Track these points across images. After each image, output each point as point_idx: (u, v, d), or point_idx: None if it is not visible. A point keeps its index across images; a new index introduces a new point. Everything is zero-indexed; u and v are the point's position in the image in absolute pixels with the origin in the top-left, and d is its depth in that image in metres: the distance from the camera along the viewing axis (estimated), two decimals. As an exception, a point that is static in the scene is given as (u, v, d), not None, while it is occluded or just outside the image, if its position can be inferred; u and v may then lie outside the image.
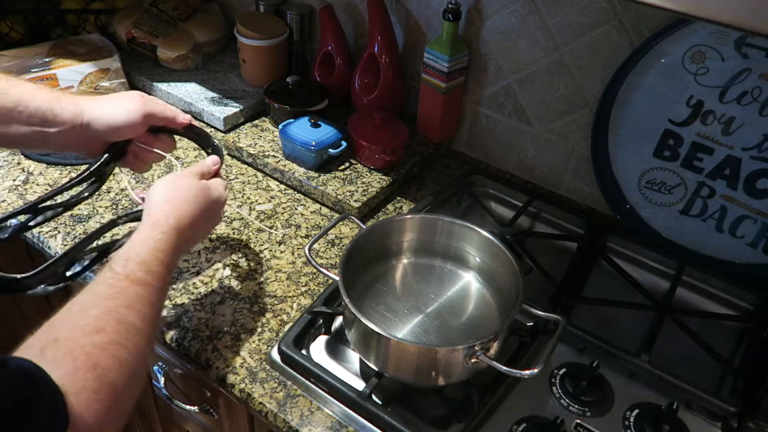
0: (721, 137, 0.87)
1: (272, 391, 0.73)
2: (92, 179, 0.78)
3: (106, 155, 0.77)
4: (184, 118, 0.81)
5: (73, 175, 1.03)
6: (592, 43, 0.93)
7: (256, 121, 1.15)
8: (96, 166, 0.76)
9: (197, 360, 0.77)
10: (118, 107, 0.75)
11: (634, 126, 0.93)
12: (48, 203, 0.75)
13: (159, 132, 0.80)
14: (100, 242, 0.75)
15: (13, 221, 0.74)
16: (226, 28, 1.34)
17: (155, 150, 0.80)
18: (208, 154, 0.81)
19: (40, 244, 0.91)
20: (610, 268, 0.92)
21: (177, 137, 0.84)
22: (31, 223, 0.75)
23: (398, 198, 1.05)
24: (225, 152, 0.84)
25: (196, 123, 0.84)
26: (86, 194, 0.78)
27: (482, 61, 1.05)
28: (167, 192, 0.69)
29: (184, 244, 0.68)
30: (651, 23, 0.86)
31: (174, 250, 0.66)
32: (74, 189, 0.77)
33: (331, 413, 0.72)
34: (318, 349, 0.79)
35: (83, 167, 0.78)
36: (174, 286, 0.85)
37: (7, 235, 0.72)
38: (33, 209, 0.74)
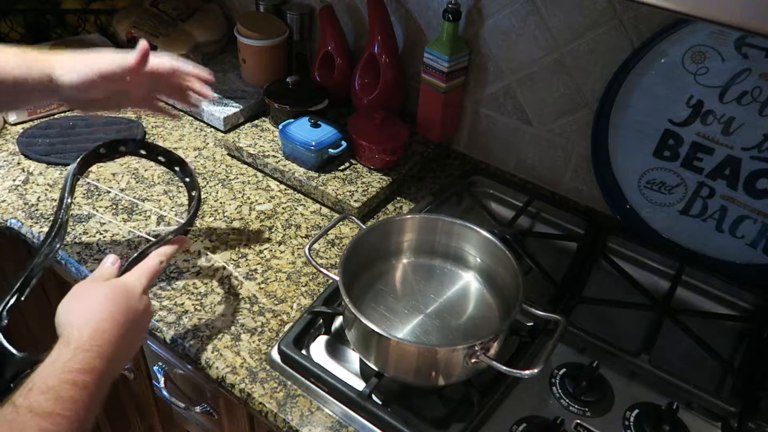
0: (721, 137, 0.87)
1: (272, 391, 0.73)
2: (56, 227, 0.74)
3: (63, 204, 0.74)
4: (135, 59, 0.73)
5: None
6: (592, 43, 0.93)
7: (256, 121, 1.15)
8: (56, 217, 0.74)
9: (197, 360, 0.77)
10: (78, 68, 0.72)
11: (634, 126, 0.93)
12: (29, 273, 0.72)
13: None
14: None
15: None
16: (226, 28, 1.34)
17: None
18: (186, 186, 0.81)
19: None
20: (610, 268, 0.92)
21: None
22: (23, 297, 0.71)
23: (398, 198, 1.05)
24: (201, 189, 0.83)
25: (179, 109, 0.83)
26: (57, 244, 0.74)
27: (482, 61, 1.05)
28: (76, 305, 0.61)
29: (111, 353, 0.58)
30: (651, 23, 0.86)
31: (95, 365, 0.56)
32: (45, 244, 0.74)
33: (331, 413, 0.72)
34: (318, 349, 0.79)
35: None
36: (174, 286, 0.85)
37: (5, 323, 0.68)
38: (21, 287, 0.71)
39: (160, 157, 0.82)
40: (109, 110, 0.81)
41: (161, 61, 0.78)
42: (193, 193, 0.80)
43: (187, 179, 0.82)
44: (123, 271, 0.68)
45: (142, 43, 0.73)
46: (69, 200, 0.74)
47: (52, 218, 0.75)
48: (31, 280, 0.70)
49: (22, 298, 0.70)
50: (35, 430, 0.51)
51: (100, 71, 0.72)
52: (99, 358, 0.57)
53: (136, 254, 0.70)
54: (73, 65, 0.72)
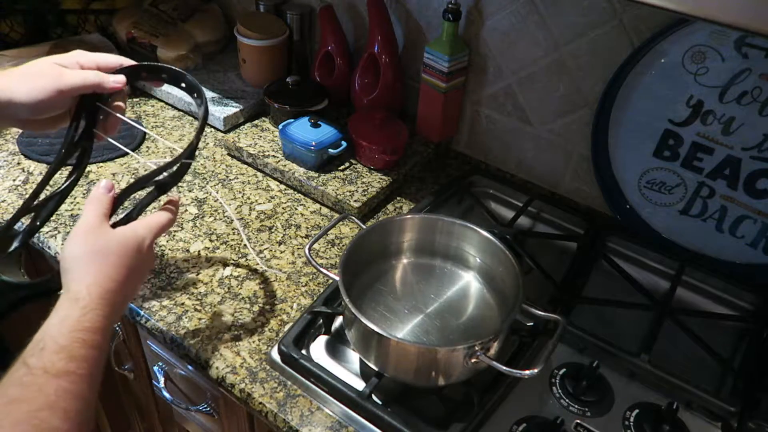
0: (721, 137, 0.87)
1: (272, 391, 0.73)
2: (76, 153, 0.70)
3: (75, 126, 0.69)
4: (116, 81, 0.69)
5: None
6: (592, 43, 0.93)
7: (256, 121, 1.15)
8: (68, 141, 0.69)
9: (197, 360, 0.77)
10: (30, 86, 0.65)
11: (634, 126, 0.93)
12: (42, 197, 0.70)
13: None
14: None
15: (19, 225, 0.70)
16: (226, 28, 1.34)
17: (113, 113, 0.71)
18: (185, 90, 0.74)
19: (40, 244, 0.91)
20: (610, 268, 0.92)
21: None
22: (38, 222, 0.70)
23: (398, 198, 1.05)
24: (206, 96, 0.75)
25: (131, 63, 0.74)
26: (75, 175, 0.71)
27: (482, 61, 1.05)
28: (82, 255, 0.60)
29: (113, 312, 0.59)
30: (651, 23, 0.86)
31: (102, 324, 0.57)
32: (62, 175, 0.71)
33: (331, 413, 0.72)
34: (318, 349, 0.79)
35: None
36: (174, 286, 0.85)
37: (19, 243, 0.68)
38: (31, 208, 0.70)
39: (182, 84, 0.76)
40: (58, 126, 0.72)
41: (105, 59, 0.72)
42: (199, 102, 0.74)
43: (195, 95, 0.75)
44: (119, 197, 0.66)
45: (121, 79, 0.70)
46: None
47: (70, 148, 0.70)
48: (46, 203, 0.70)
49: (37, 223, 0.69)
50: (53, 389, 0.51)
51: (63, 88, 0.66)
52: (105, 316, 0.58)
53: (134, 182, 0.67)
54: (25, 81, 0.66)
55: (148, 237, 0.65)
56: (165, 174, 0.71)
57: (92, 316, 0.56)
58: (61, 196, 0.71)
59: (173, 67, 0.76)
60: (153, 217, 0.67)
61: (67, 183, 0.71)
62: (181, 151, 0.71)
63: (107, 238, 0.61)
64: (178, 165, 0.71)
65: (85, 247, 0.60)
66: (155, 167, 0.71)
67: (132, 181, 0.66)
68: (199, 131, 0.71)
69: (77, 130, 0.70)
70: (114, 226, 0.64)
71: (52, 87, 0.65)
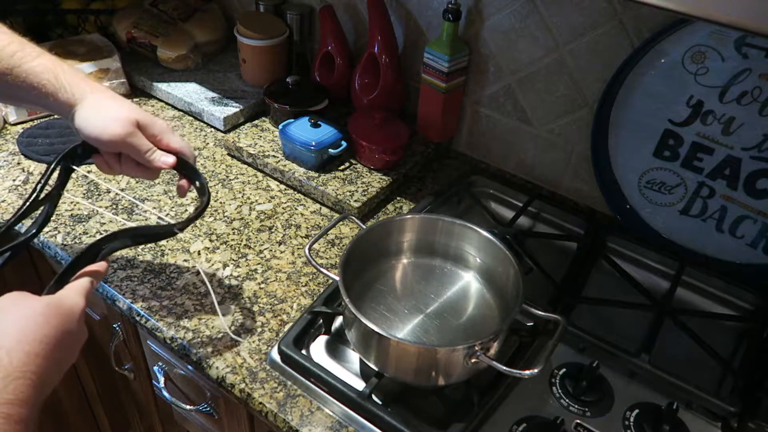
0: (721, 137, 0.87)
1: (272, 391, 0.73)
2: (38, 210, 0.72)
3: (43, 185, 0.71)
4: (164, 162, 0.71)
5: (73, 175, 1.03)
6: (592, 43, 0.93)
7: (256, 121, 1.15)
8: (32, 197, 0.71)
9: (197, 360, 0.77)
10: (105, 122, 0.69)
11: (634, 126, 0.93)
12: (35, 197, 0.70)
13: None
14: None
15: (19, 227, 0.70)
16: (226, 28, 1.34)
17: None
18: (195, 188, 0.76)
19: (40, 245, 0.91)
20: (610, 268, 0.92)
21: None
22: (37, 230, 0.70)
23: (398, 198, 1.05)
24: (210, 191, 0.77)
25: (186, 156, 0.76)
26: (32, 233, 0.72)
27: (482, 61, 1.05)
28: (4, 322, 0.53)
29: (42, 382, 0.52)
30: (651, 23, 0.86)
31: (28, 395, 0.50)
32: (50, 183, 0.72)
33: (331, 413, 0.72)
34: (318, 349, 0.79)
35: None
36: (174, 286, 0.85)
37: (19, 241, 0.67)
38: (29, 208, 0.70)
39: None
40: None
41: (173, 141, 0.73)
42: (197, 183, 0.76)
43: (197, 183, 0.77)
44: (57, 278, 0.62)
45: (174, 159, 0.72)
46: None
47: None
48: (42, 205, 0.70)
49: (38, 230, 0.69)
50: None
51: (128, 141, 0.69)
52: (32, 386, 0.50)
53: (72, 259, 0.64)
54: (98, 111, 0.69)
55: (80, 302, 0.59)
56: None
57: (16, 385, 0.49)
58: (15, 250, 0.70)
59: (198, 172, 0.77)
60: (80, 282, 0.62)
61: (22, 239, 0.70)
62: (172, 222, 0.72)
63: (33, 302, 0.56)
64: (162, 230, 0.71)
65: (7, 311, 0.54)
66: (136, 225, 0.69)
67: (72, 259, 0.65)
68: (199, 213, 0.72)
69: (41, 191, 0.71)
70: None
71: (120, 137, 0.68)
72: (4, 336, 0.52)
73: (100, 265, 0.65)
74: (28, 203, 0.71)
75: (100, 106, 0.70)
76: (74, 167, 0.74)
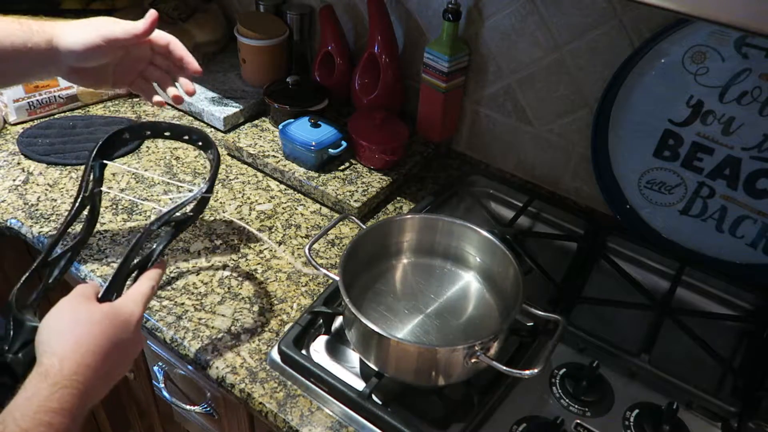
0: (721, 137, 0.87)
1: (272, 391, 0.73)
2: (85, 204, 0.74)
3: (87, 181, 0.74)
4: (144, 26, 0.72)
5: (73, 175, 1.03)
6: (592, 43, 0.93)
7: (256, 121, 1.15)
8: (80, 194, 0.73)
9: (197, 360, 0.77)
10: (78, 33, 0.70)
11: (634, 126, 0.93)
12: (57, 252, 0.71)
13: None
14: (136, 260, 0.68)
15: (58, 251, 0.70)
16: (226, 28, 1.34)
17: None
18: (204, 151, 0.78)
19: (40, 245, 0.91)
20: (610, 268, 0.92)
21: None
22: (50, 281, 0.69)
23: (398, 198, 1.05)
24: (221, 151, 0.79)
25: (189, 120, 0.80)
26: (86, 231, 0.75)
27: (482, 61, 1.05)
28: (61, 327, 0.54)
29: (89, 393, 0.52)
30: (651, 23, 0.86)
31: (73, 404, 0.50)
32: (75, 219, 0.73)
33: (331, 413, 0.72)
34: (318, 349, 0.79)
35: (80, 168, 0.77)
36: (174, 286, 0.85)
37: (35, 296, 0.65)
38: (47, 262, 0.69)
39: (184, 137, 0.79)
40: (103, 86, 0.78)
41: (160, 33, 0.77)
42: (210, 155, 0.77)
43: (210, 157, 0.78)
44: (110, 281, 0.62)
45: (152, 12, 0.72)
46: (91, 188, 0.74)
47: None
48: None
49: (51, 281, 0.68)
50: None
51: (104, 35, 0.70)
52: (79, 396, 0.50)
53: (135, 240, 0.65)
54: (75, 29, 0.70)
55: (137, 311, 0.59)
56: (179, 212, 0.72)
57: (62, 394, 0.49)
58: (73, 251, 0.72)
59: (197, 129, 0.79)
60: (139, 289, 0.62)
61: (78, 238, 0.73)
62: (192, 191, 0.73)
63: (91, 309, 0.56)
64: (195, 202, 0.73)
65: (66, 317, 0.55)
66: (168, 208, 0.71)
67: (134, 240, 0.66)
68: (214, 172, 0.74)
69: (87, 185, 0.73)
70: (99, 301, 0.60)
71: (96, 34, 0.69)
72: (60, 342, 0.52)
73: (157, 269, 0.66)
74: (76, 205, 0.72)
75: (79, 23, 0.71)
76: (107, 162, 0.76)
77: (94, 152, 0.74)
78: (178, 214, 0.71)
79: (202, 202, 0.74)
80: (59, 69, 0.72)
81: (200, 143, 0.79)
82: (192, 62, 0.78)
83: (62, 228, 0.71)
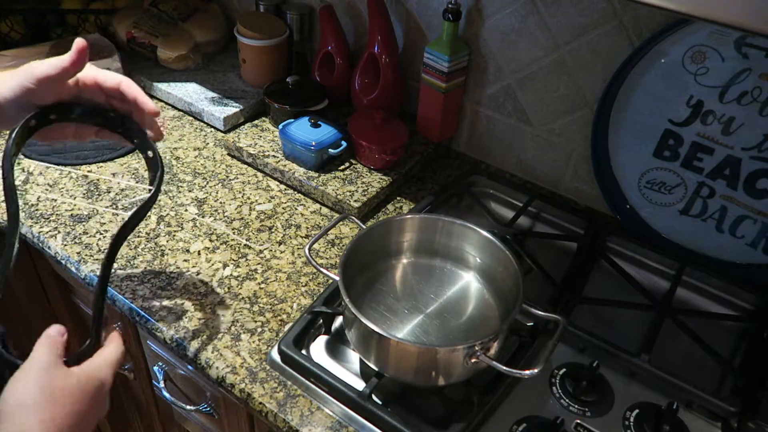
0: (721, 137, 0.87)
1: (272, 391, 0.73)
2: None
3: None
4: (71, 57, 0.65)
5: (73, 175, 1.03)
6: (592, 43, 0.93)
7: (256, 121, 1.15)
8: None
9: (197, 360, 0.77)
10: (10, 82, 0.64)
11: (634, 126, 0.93)
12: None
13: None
14: None
15: None
16: (226, 28, 1.34)
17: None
18: (145, 159, 0.71)
19: (40, 244, 0.91)
20: (610, 268, 0.92)
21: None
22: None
23: (398, 198, 1.05)
24: (164, 165, 0.74)
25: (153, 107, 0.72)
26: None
27: (482, 61, 1.05)
28: (32, 398, 0.51)
29: None
30: (651, 23, 0.86)
31: None
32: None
33: (331, 413, 0.72)
34: (318, 349, 0.79)
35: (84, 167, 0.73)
36: (174, 286, 0.85)
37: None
38: None
39: (96, 119, 0.71)
40: (64, 139, 0.71)
41: (108, 75, 0.70)
42: (149, 154, 0.70)
43: (136, 140, 0.72)
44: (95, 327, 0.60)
45: (79, 41, 0.65)
46: (12, 183, 0.67)
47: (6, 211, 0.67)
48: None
49: None
50: None
51: (34, 77, 0.64)
52: None
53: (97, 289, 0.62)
54: (9, 77, 0.65)
55: (109, 379, 0.58)
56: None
57: None
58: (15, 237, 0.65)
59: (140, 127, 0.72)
60: (110, 351, 0.60)
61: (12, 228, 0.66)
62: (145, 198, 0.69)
63: (66, 379, 0.53)
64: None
65: (37, 388, 0.52)
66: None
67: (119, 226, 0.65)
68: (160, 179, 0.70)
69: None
70: (67, 364, 0.57)
71: (24, 77, 0.63)
72: (28, 417, 0.50)
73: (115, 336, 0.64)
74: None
75: (11, 72, 0.65)
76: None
77: (10, 145, 0.65)
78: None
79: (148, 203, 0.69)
80: (6, 120, 0.66)
81: (119, 129, 0.71)
82: (147, 102, 0.69)
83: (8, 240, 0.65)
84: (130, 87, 0.69)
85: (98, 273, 0.64)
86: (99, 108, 0.70)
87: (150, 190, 0.70)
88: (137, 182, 1.02)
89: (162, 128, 0.72)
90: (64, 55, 0.65)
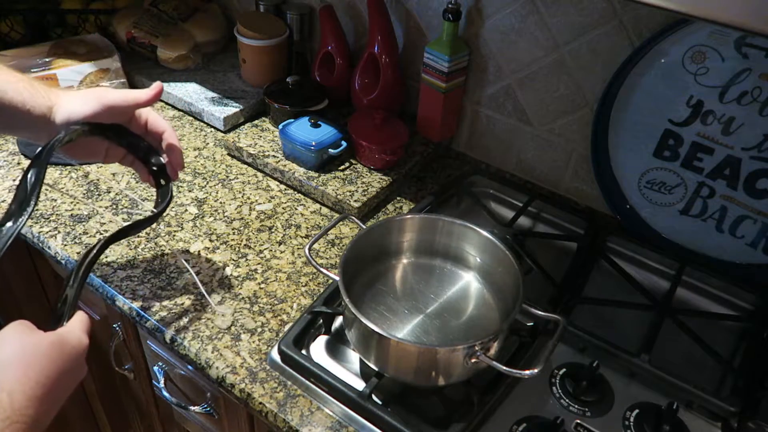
0: (721, 137, 0.87)
1: (272, 391, 0.73)
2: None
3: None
4: (148, 95, 0.72)
5: (73, 175, 1.03)
6: (592, 43, 0.93)
7: (256, 121, 1.15)
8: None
9: (197, 360, 0.77)
10: (81, 100, 0.69)
11: (634, 126, 0.93)
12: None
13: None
14: None
15: None
16: (226, 28, 1.34)
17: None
18: (157, 185, 0.77)
19: (40, 244, 0.91)
20: (610, 268, 0.92)
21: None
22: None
23: (398, 198, 1.05)
24: (173, 192, 0.78)
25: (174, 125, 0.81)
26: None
27: (482, 61, 1.05)
28: (6, 359, 0.52)
29: (38, 424, 0.51)
30: (651, 23, 0.86)
31: None
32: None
33: (331, 413, 0.72)
34: (318, 349, 0.79)
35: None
36: (174, 286, 0.85)
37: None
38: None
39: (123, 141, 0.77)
40: (95, 158, 0.76)
41: (158, 120, 0.76)
42: (162, 182, 0.77)
43: (155, 168, 0.78)
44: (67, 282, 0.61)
45: (157, 83, 0.73)
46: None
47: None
48: None
49: None
50: None
51: (105, 103, 0.69)
52: (29, 430, 0.50)
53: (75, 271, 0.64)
54: (76, 99, 0.70)
55: (84, 339, 0.59)
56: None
57: (14, 429, 0.49)
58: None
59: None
60: (78, 319, 0.61)
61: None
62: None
63: (38, 339, 0.54)
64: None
65: (10, 348, 0.53)
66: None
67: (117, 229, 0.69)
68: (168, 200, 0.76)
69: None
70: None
71: (97, 102, 0.69)
72: (7, 376, 0.51)
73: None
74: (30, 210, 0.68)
75: (81, 93, 0.71)
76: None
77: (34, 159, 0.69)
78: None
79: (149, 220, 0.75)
80: (51, 137, 0.68)
81: (143, 151, 0.77)
82: (179, 160, 0.77)
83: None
84: (171, 136, 0.76)
85: (79, 259, 0.66)
86: (127, 132, 0.76)
87: (153, 211, 0.75)
88: (137, 182, 1.02)
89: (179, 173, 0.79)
90: (141, 90, 0.72)
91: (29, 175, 0.64)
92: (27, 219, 0.63)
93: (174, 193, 0.77)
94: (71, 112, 0.69)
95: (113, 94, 0.71)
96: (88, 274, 0.66)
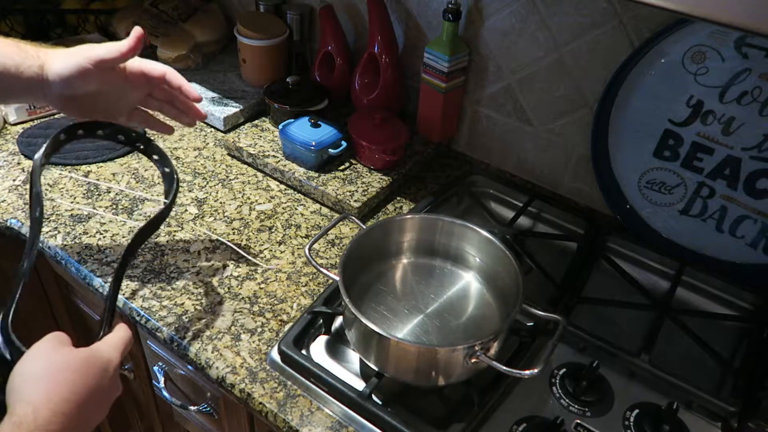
0: (721, 137, 0.87)
1: (272, 391, 0.73)
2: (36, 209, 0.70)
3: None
4: (129, 43, 0.69)
5: (73, 175, 1.03)
6: (592, 43, 0.93)
7: (256, 121, 1.15)
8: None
9: (197, 360, 0.77)
10: (63, 60, 0.68)
11: (634, 126, 0.93)
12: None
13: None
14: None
15: None
16: (226, 28, 1.34)
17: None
18: (162, 173, 0.79)
19: (40, 244, 0.91)
20: (610, 268, 0.92)
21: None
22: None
23: (398, 198, 1.05)
24: (179, 180, 0.82)
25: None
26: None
27: (482, 61, 1.05)
28: (35, 374, 0.51)
29: None
30: (651, 23, 0.86)
31: None
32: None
33: (331, 413, 0.72)
34: (318, 349, 0.79)
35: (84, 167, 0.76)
36: (174, 286, 0.85)
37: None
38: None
39: (119, 136, 0.79)
40: (98, 115, 0.76)
41: (154, 65, 0.75)
42: (167, 170, 0.78)
43: (156, 156, 0.79)
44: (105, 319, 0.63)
45: (137, 29, 0.69)
46: (39, 190, 0.70)
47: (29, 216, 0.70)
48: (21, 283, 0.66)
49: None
50: None
51: (92, 58, 0.68)
52: None
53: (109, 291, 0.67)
54: (62, 55, 0.69)
55: (115, 358, 0.58)
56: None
57: None
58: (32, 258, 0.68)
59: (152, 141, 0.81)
60: (119, 335, 0.61)
61: (35, 246, 0.68)
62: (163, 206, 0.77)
63: (68, 355, 0.54)
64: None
65: (40, 363, 0.52)
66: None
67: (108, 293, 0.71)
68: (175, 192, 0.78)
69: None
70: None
71: (82, 57, 0.67)
72: (34, 390, 0.50)
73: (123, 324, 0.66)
74: (36, 215, 0.70)
75: (67, 50, 0.70)
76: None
77: (41, 156, 0.71)
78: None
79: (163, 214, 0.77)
80: (48, 96, 0.70)
81: (139, 145, 0.79)
82: (191, 90, 0.76)
83: (30, 241, 0.68)
84: (174, 76, 0.75)
85: (111, 278, 0.72)
86: (121, 127, 0.77)
87: (165, 202, 0.77)
88: (137, 182, 1.02)
89: (202, 111, 0.80)
90: (121, 41, 0.69)
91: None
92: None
93: (178, 176, 0.79)
94: (61, 69, 0.68)
95: (99, 49, 0.69)
96: (119, 286, 0.70)
